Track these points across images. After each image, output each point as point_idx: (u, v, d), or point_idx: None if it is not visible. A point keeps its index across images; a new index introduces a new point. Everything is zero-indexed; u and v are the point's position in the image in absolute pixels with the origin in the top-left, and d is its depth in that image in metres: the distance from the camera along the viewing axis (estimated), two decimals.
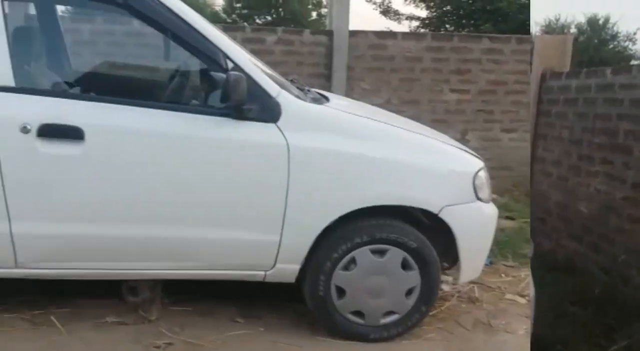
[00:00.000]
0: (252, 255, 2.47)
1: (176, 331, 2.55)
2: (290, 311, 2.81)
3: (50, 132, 2.20)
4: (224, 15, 22.31)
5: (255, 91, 2.32)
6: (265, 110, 2.35)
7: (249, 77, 2.29)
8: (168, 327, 2.58)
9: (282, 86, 2.46)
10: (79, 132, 2.22)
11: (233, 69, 2.30)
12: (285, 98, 2.41)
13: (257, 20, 22.36)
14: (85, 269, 2.42)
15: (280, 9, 22.48)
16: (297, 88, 2.72)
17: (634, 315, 2.83)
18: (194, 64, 2.80)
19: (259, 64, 2.59)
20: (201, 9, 15.94)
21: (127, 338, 2.48)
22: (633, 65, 4.56)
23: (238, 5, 22.95)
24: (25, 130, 2.18)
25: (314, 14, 24.26)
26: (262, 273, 2.51)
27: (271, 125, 2.36)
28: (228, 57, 2.34)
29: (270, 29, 5.49)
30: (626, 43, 22.52)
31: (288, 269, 2.51)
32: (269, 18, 22.60)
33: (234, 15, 22.53)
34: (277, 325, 2.69)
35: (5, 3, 2.27)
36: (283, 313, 2.80)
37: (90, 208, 2.31)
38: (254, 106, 2.30)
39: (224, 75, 2.41)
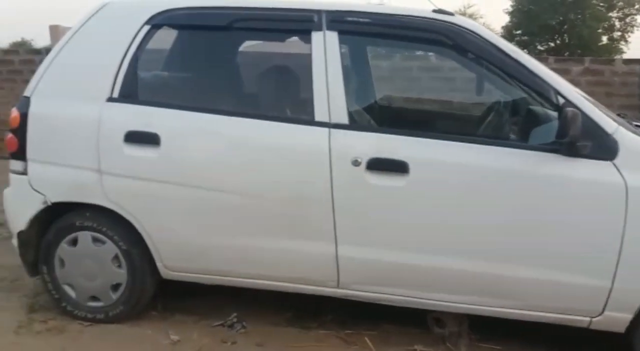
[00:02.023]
0: (577, 300, 2.32)
1: None
2: None
3: (378, 165, 2.36)
4: None
5: (590, 127, 2.21)
6: (600, 147, 2.21)
7: (582, 113, 2.19)
8: None
9: (617, 122, 2.31)
10: (404, 165, 2.33)
11: (565, 105, 2.21)
12: (623, 135, 2.25)
13: (539, 47, 21.35)
14: (397, 295, 2.52)
15: (565, 35, 21.07)
16: (628, 123, 2.50)
17: None
18: (508, 99, 2.77)
19: (590, 98, 2.43)
20: None
21: None
22: None
23: (517, 32, 22.31)
24: (356, 163, 2.37)
25: (604, 39, 22.13)
26: (587, 319, 2.34)
27: (607, 163, 2.22)
28: (559, 93, 2.28)
29: (577, 59, 5.22)
30: None
31: (618, 317, 2.30)
32: (551, 44, 21.40)
33: (513, 43, 21.95)
34: None
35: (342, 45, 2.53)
36: None
37: (410, 238, 2.40)
38: (588, 143, 2.17)
39: (547, 111, 2.34)
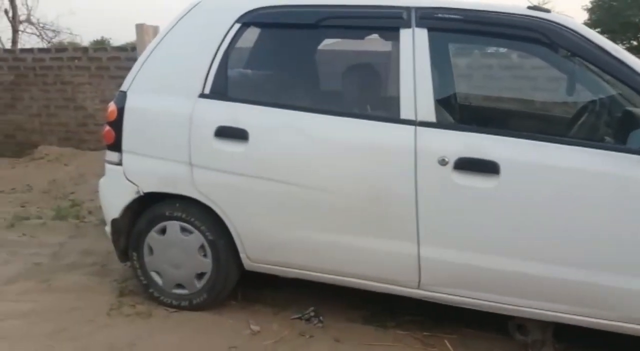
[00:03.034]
0: None
1: None
2: None
3: (466, 165, 2.32)
4: None
5: None
6: None
7: None
8: None
9: None
10: (495, 166, 2.27)
11: None
12: None
13: (620, 46, 20.27)
14: (480, 300, 2.46)
15: None
16: None
17: None
18: (603, 99, 2.65)
19: None
20: None
21: None
22: None
23: (597, 29, 21.26)
24: (443, 162, 2.33)
25: None
26: None
27: None
28: None
29: None
30: None
31: None
32: (634, 43, 20.26)
33: None
34: None
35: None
36: None
37: (497, 242, 2.34)
38: None
39: None
